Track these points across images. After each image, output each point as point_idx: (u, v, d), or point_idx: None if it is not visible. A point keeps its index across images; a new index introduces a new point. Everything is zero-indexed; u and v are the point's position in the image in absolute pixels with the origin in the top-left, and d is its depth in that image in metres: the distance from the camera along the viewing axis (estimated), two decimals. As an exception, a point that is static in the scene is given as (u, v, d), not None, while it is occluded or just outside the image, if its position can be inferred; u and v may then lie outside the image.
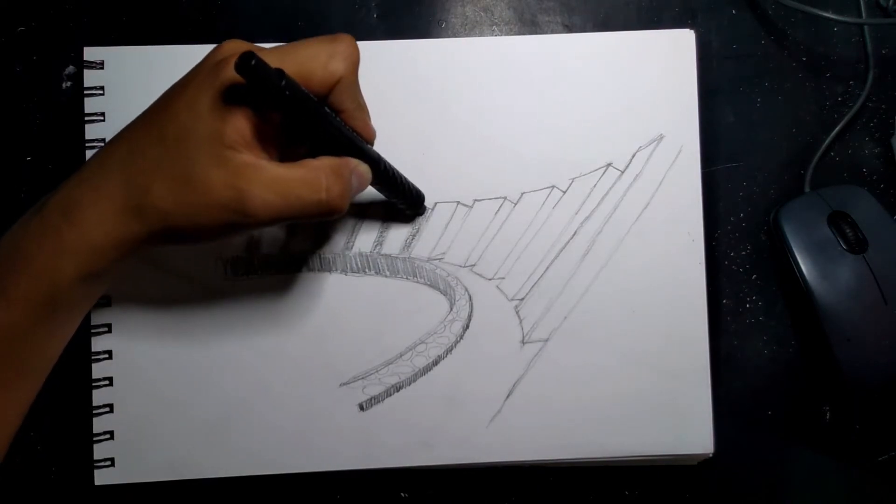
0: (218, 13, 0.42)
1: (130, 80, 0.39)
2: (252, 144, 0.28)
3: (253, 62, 0.25)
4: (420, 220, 0.40)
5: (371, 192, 0.39)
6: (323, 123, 0.29)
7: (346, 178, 0.29)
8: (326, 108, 0.30)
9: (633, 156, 0.40)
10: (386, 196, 0.37)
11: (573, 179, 0.40)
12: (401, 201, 0.38)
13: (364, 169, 0.31)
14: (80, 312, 0.32)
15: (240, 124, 0.27)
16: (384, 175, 0.34)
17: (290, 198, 0.28)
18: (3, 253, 0.29)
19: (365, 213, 0.40)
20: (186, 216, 0.28)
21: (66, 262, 0.28)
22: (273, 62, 0.26)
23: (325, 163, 0.29)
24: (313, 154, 0.29)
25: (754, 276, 0.42)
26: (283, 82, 0.26)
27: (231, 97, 0.27)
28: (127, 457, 0.38)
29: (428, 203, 0.39)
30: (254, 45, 0.29)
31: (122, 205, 0.28)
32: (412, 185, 0.38)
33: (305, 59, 0.28)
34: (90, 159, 0.30)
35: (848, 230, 0.39)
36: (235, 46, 0.29)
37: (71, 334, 0.32)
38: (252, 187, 0.27)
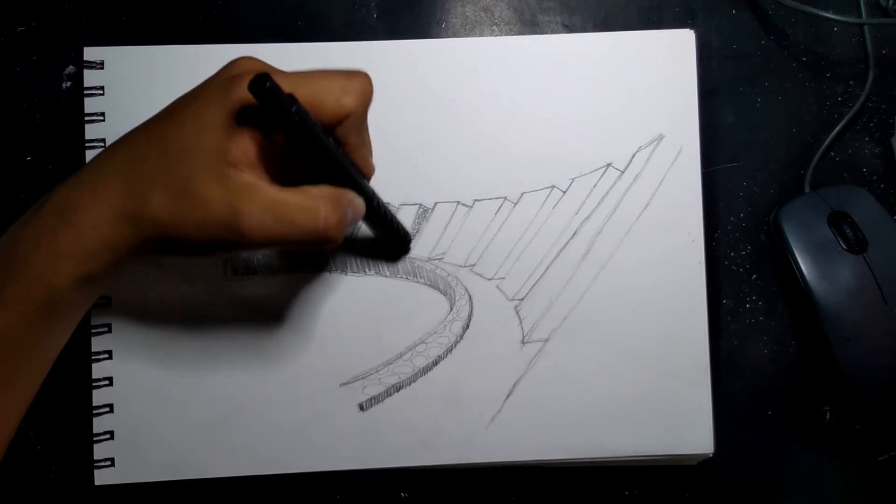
0: (218, 13, 0.42)
1: (130, 80, 0.39)
2: (254, 165, 0.27)
3: (267, 84, 0.25)
4: (420, 222, 0.40)
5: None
6: (326, 154, 0.29)
7: (343, 209, 0.29)
8: (331, 140, 0.29)
9: (633, 156, 0.40)
10: (374, 233, 0.37)
11: (573, 179, 0.40)
12: (389, 239, 0.38)
13: (359, 203, 0.31)
14: (76, 315, 0.32)
15: (245, 143, 0.27)
16: (376, 212, 0.34)
17: (286, 222, 0.27)
18: None
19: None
20: (180, 228, 0.27)
21: (62, 265, 0.28)
22: (287, 87, 0.26)
23: (324, 192, 0.29)
24: (310, 180, 0.29)
25: (754, 276, 0.42)
26: (294, 108, 0.26)
27: (240, 116, 0.27)
28: (127, 457, 0.38)
29: (428, 203, 0.39)
30: (269, 65, 0.29)
31: (119, 210, 0.28)
32: (402, 225, 0.38)
33: (319, 90, 0.28)
34: (89, 162, 0.30)
35: (848, 230, 0.39)
36: (250, 65, 0.29)
37: (67, 336, 0.32)
38: (249, 207, 0.27)
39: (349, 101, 0.29)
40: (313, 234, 0.28)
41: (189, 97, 0.29)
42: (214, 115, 0.27)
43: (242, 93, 0.27)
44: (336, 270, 0.39)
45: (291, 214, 0.28)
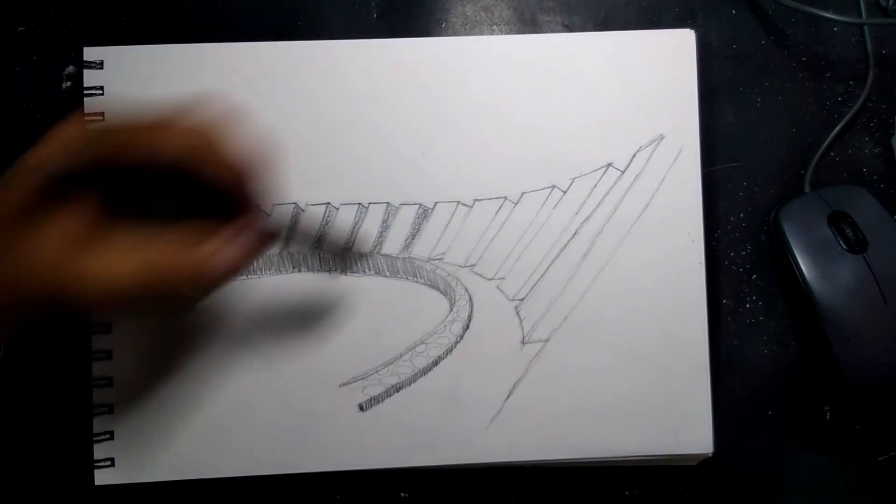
0: (218, 13, 0.42)
1: (130, 80, 0.39)
2: (93, 234, 0.28)
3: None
4: (420, 222, 0.40)
5: (376, 197, 0.40)
6: (185, 190, 0.28)
7: (204, 255, 0.29)
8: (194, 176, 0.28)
9: (634, 156, 0.40)
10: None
11: (573, 179, 0.40)
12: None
13: (248, 238, 0.30)
14: None
15: (68, 224, 0.28)
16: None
17: (149, 274, 0.28)
18: None
19: (365, 213, 0.39)
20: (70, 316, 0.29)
21: None
22: (109, 142, 0.27)
23: (181, 234, 0.29)
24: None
25: (754, 276, 0.42)
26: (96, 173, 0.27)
27: (65, 190, 0.27)
28: (127, 457, 0.38)
29: (428, 203, 0.39)
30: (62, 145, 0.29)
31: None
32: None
33: (144, 139, 0.28)
34: None
35: (848, 230, 0.39)
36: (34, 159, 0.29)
37: None
38: (93, 286, 0.27)
39: (173, 150, 0.28)
40: (171, 289, 0.28)
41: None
42: (47, 237, 0.28)
43: (52, 170, 0.27)
44: (336, 270, 0.39)
45: (154, 261, 0.28)
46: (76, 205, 0.28)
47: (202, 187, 0.28)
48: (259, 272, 0.39)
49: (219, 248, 0.29)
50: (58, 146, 0.28)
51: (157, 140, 0.27)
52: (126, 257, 0.28)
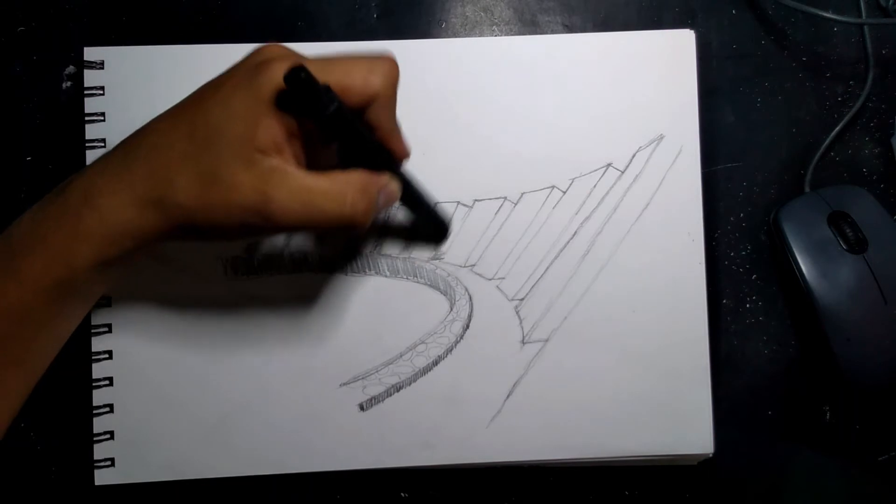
0: (218, 13, 0.42)
1: (130, 80, 0.39)
2: (282, 149, 0.28)
3: (303, 76, 0.25)
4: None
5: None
6: (360, 140, 0.29)
7: (372, 196, 0.29)
8: (363, 125, 0.30)
9: (634, 156, 0.40)
10: (414, 218, 0.37)
11: (573, 179, 0.40)
12: (427, 223, 0.38)
13: (394, 187, 0.31)
14: (91, 298, 0.32)
15: (273, 129, 0.27)
16: (412, 196, 0.34)
17: (313, 208, 0.28)
18: (21, 232, 0.29)
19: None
20: (207, 214, 0.28)
21: (82, 247, 0.28)
22: (316, 72, 0.26)
23: (352, 178, 0.29)
24: (344, 163, 0.29)
25: (754, 276, 0.42)
26: (330, 98, 0.27)
27: (268, 101, 0.27)
28: (127, 457, 0.38)
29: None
30: (296, 52, 0.29)
31: (144, 196, 0.28)
32: (440, 212, 0.38)
33: (346, 71, 0.28)
34: (115, 147, 0.30)
35: (848, 230, 0.39)
36: (278, 51, 0.29)
37: (80, 318, 0.33)
38: (277, 193, 0.27)
39: (375, 82, 0.29)
40: (339, 221, 0.28)
41: (216, 83, 0.29)
42: (242, 100, 0.27)
43: (270, 78, 0.27)
44: (336, 270, 0.39)
45: (318, 200, 0.28)
46: (276, 122, 0.27)
47: (370, 141, 0.30)
48: (259, 272, 0.39)
49: (383, 188, 0.31)
50: (293, 57, 0.29)
51: (369, 73, 0.28)
52: (320, 182, 0.28)
